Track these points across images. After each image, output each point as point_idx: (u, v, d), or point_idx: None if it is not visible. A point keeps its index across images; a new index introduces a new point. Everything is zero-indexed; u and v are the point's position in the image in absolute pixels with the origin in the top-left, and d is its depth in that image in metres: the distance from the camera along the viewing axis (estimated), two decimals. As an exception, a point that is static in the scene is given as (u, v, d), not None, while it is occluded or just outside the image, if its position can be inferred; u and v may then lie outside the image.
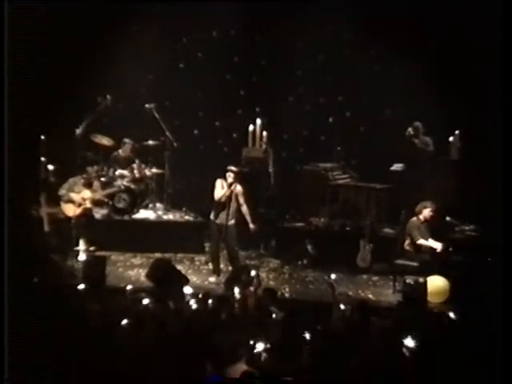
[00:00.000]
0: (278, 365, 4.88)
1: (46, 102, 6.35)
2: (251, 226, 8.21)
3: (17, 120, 5.88)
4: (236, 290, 6.34)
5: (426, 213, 8.23)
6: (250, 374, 4.60)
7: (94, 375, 4.66)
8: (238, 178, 8.22)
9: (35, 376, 4.75)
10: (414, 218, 8.29)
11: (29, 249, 6.16)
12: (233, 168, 8.24)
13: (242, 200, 8.23)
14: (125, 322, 5.37)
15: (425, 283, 7.62)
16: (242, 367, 4.75)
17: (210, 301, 6.24)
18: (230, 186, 8.21)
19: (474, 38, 8.48)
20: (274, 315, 5.90)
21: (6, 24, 5.78)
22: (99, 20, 9.23)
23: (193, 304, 6.18)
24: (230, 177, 8.18)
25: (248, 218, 8.22)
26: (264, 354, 4.95)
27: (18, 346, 5.10)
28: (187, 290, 6.71)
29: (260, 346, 4.98)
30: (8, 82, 5.79)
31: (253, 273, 7.42)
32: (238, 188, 8.23)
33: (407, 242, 8.31)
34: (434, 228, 8.39)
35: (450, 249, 8.13)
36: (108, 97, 9.86)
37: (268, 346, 4.99)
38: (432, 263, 8.12)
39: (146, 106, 9.72)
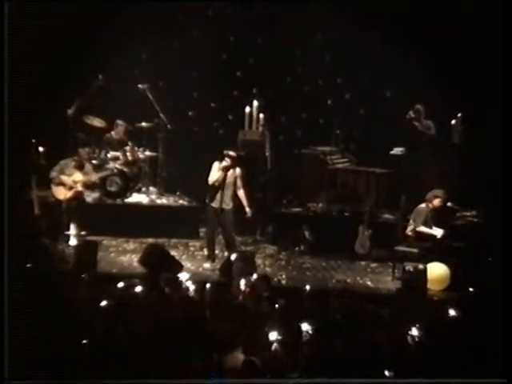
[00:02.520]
0: (277, 353, 4.74)
1: (36, 83, 6.16)
2: (247, 209, 8.05)
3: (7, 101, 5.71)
4: (242, 282, 6.17)
5: (436, 202, 8.11)
6: (252, 363, 4.41)
7: (90, 364, 4.57)
8: (235, 163, 8.03)
9: (35, 373, 4.67)
10: (423, 205, 8.17)
11: (19, 233, 5.98)
12: (230, 153, 8.05)
13: (239, 183, 8.08)
14: (118, 309, 5.25)
15: (425, 270, 7.57)
16: (239, 356, 4.59)
17: (205, 287, 6.11)
18: (224, 169, 8.02)
19: (476, 20, 8.30)
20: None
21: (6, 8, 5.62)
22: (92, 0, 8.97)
23: (188, 290, 6.03)
24: (227, 161, 8.00)
25: (245, 201, 8.07)
26: (262, 343, 4.79)
27: (16, 338, 4.99)
28: (181, 276, 6.55)
29: (259, 335, 4.82)
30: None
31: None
32: (238, 171, 8.07)
33: (410, 227, 8.16)
34: (435, 214, 8.26)
35: (453, 237, 7.99)
36: (100, 77, 9.64)
37: (266, 334, 4.84)
38: (432, 250, 8.04)
39: (140, 86, 9.56)
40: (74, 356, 4.63)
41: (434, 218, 8.17)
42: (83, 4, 8.84)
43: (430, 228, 8.10)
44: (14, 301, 5.18)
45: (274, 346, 4.78)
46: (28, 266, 6.34)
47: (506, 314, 5.42)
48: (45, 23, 6.31)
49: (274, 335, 4.88)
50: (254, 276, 6.84)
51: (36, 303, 5.14)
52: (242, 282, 6.26)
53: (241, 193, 8.09)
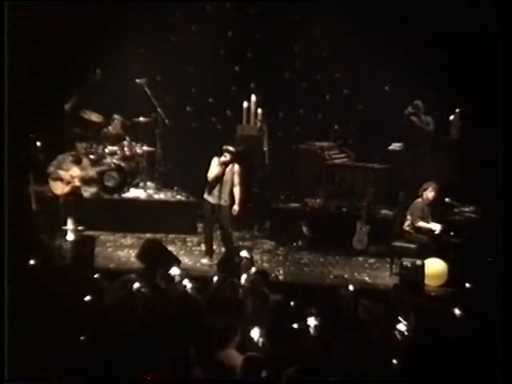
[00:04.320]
0: (271, 350, 4.73)
1: (34, 78, 6.13)
2: (235, 207, 7.99)
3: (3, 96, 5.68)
4: (243, 277, 6.16)
5: (428, 194, 8.12)
6: (255, 360, 4.36)
7: (90, 364, 4.56)
8: (234, 158, 8.01)
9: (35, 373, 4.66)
10: (419, 200, 8.19)
11: (17, 228, 5.96)
12: (229, 148, 8.02)
13: (236, 180, 8.04)
14: (115, 304, 5.23)
15: (422, 266, 7.54)
16: (233, 353, 4.58)
17: (203, 283, 6.10)
18: (223, 164, 8.00)
19: (475, 15, 8.28)
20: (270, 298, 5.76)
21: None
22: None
23: (184, 286, 6.01)
24: (226, 156, 7.97)
25: (237, 199, 8.02)
26: (256, 339, 4.78)
27: (16, 339, 4.98)
28: (177, 271, 6.53)
29: (252, 331, 4.81)
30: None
31: (244, 253, 7.26)
32: (236, 167, 8.03)
33: (407, 222, 8.15)
34: (433, 209, 8.25)
35: (452, 233, 7.97)
36: (98, 72, 9.59)
37: (260, 330, 4.83)
38: (430, 245, 8.03)
39: (137, 81, 9.52)
40: (74, 356, 4.62)
41: (432, 213, 8.15)
42: (80, 1, 8.80)
43: (428, 223, 8.10)
44: (13, 299, 5.16)
45: (270, 341, 4.77)
46: (27, 262, 6.31)
47: (504, 310, 5.41)
48: (43, 18, 6.28)
49: (271, 331, 4.88)
50: (252, 271, 6.85)
51: (35, 301, 5.12)
52: (241, 278, 6.25)
53: (236, 190, 8.03)
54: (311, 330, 5.03)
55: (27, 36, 5.92)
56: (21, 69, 5.87)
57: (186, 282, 6.12)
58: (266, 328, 4.92)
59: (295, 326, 5.05)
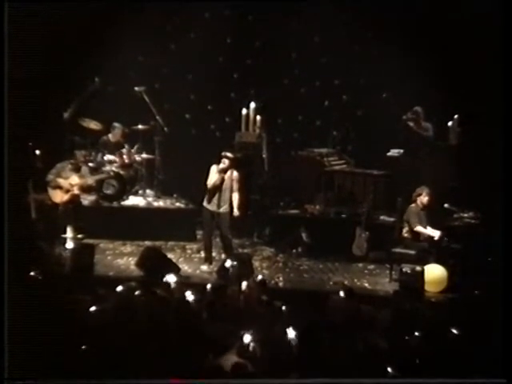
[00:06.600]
0: (271, 356, 4.71)
1: (33, 86, 6.14)
2: (235, 211, 7.99)
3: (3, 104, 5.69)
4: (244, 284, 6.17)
5: (422, 199, 8.12)
6: (242, 367, 4.39)
7: (90, 364, 4.56)
8: (233, 164, 8.02)
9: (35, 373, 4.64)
10: (413, 205, 8.20)
11: (16, 236, 5.96)
12: (227, 154, 8.04)
13: (235, 187, 8.05)
14: (115, 312, 5.23)
15: (422, 272, 7.53)
16: (232, 358, 4.57)
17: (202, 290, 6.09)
18: (221, 171, 8.01)
19: (474, 21, 8.29)
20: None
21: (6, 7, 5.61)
22: (87, 2, 8.94)
23: (184, 293, 6.00)
24: (224, 163, 7.98)
25: (235, 204, 8.02)
26: (256, 345, 4.76)
27: (16, 339, 4.97)
28: (177, 278, 6.52)
29: (252, 337, 4.80)
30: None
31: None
32: (235, 174, 8.04)
33: (405, 229, 8.16)
34: (431, 215, 8.26)
35: (451, 239, 7.96)
36: (96, 79, 9.61)
37: (260, 336, 4.82)
38: (430, 251, 8.01)
39: (136, 88, 9.54)
40: (73, 356, 4.61)
41: (428, 217, 8.15)
42: (80, 7, 8.82)
43: (425, 227, 8.09)
44: (13, 302, 5.16)
45: (270, 347, 4.76)
46: (27, 268, 6.31)
47: (504, 315, 5.41)
48: (43, 25, 6.30)
49: (270, 337, 4.87)
50: (251, 279, 6.84)
51: (35, 305, 5.13)
52: (239, 285, 6.24)
53: (235, 196, 8.04)
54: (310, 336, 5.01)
55: (27, 42, 5.94)
56: (20, 77, 5.89)
57: (186, 290, 6.11)
58: (265, 334, 4.91)
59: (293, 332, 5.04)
